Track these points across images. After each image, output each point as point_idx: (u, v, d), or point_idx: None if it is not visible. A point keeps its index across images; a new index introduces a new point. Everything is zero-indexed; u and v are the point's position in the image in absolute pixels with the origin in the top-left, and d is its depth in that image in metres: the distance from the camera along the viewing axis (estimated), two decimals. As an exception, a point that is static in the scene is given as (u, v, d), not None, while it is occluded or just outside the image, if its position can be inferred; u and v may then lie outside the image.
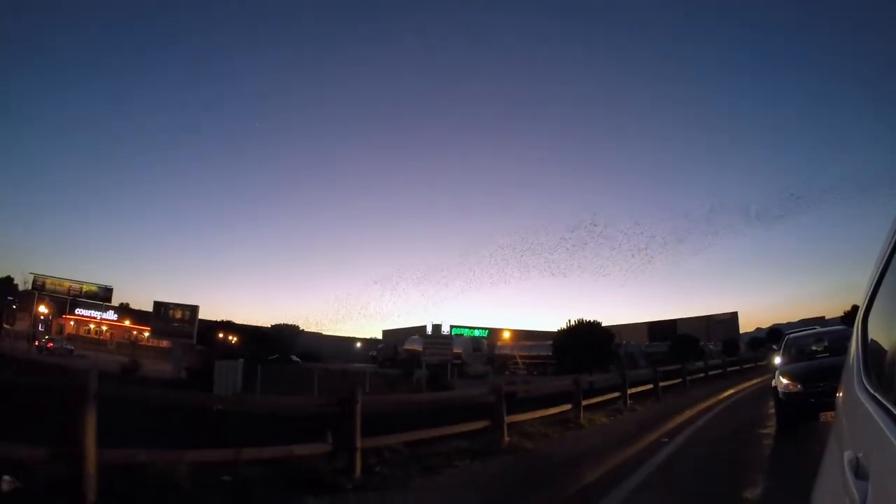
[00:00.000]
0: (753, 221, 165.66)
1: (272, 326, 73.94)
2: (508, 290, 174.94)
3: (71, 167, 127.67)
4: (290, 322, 74.75)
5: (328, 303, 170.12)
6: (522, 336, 79.92)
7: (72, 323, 59.17)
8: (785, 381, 9.42)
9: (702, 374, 25.58)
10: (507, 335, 76.67)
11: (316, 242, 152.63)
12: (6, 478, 4.08)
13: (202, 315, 46.71)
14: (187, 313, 41.46)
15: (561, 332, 51.30)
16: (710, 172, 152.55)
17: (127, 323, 63.60)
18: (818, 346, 11.35)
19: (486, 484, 6.30)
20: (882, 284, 1.76)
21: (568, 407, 11.34)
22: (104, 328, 62.52)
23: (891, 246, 1.68)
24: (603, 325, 56.57)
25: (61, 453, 4.24)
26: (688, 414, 13.58)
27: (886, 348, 1.54)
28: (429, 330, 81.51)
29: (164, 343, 49.51)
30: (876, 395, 1.47)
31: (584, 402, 11.84)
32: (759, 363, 32.28)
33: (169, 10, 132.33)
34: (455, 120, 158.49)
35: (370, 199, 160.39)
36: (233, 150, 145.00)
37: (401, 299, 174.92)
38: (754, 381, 22.30)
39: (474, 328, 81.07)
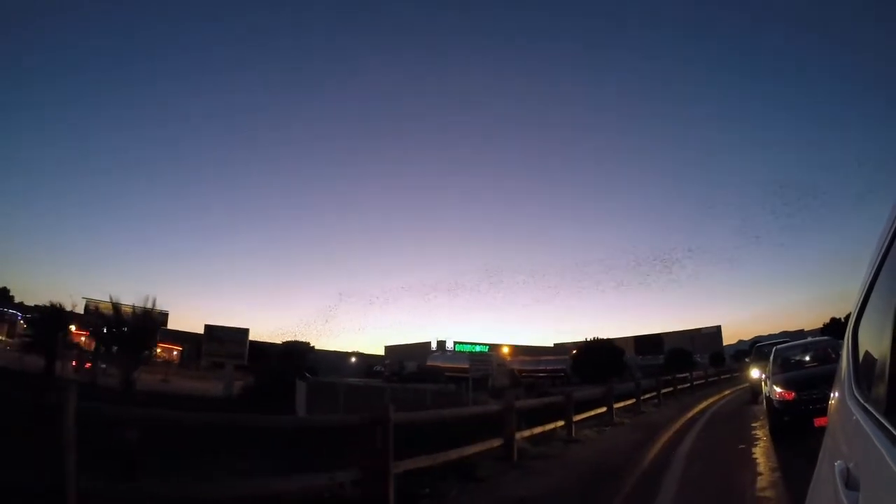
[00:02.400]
0: (736, 240, 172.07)
1: (283, 343, 76.45)
2: (499, 308, 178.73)
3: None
4: (300, 338, 76.62)
5: (318, 317, 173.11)
6: (520, 351, 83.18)
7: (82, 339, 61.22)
8: (779, 389, 9.73)
9: (687, 385, 29.59)
10: (506, 350, 79.95)
11: (303, 256, 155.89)
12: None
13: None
14: (239, 335, 44.87)
15: (579, 349, 55.97)
16: (692, 196, 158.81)
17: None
18: (804, 357, 12.24)
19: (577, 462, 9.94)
20: (872, 295, 1.76)
21: (604, 409, 14.93)
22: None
23: (880, 257, 1.69)
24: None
25: (369, 472, 5.90)
26: (695, 409, 17.48)
27: (877, 358, 1.49)
28: (433, 346, 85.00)
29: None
30: (866, 405, 1.46)
31: (616, 405, 15.52)
32: (737, 373, 36.35)
33: (173, 19, 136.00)
34: (442, 140, 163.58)
35: (362, 217, 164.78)
36: (224, 161, 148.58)
37: (394, 315, 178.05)
38: (740, 387, 26.17)
39: (476, 344, 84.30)
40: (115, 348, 22.60)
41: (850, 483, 1.31)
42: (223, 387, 41.62)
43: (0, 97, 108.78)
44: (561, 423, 11.77)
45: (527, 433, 10.01)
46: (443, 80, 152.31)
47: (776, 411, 9.72)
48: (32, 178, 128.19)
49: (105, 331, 31.14)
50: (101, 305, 59.94)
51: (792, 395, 9.34)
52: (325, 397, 34.49)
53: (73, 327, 48.97)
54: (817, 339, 17.33)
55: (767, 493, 6.10)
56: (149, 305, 26.73)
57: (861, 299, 1.90)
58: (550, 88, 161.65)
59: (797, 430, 8.80)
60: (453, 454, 7.54)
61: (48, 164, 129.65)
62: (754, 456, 8.62)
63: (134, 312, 29.46)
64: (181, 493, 4.55)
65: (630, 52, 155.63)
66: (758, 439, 10.17)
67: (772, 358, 12.37)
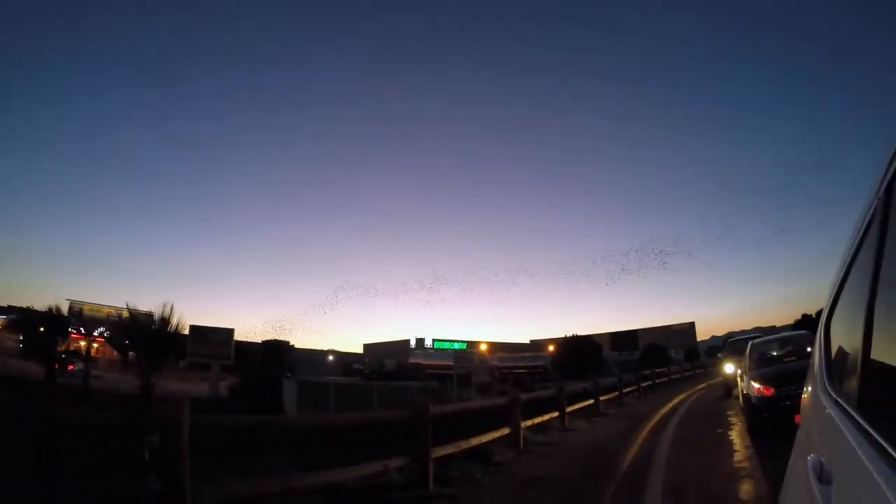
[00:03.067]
0: (709, 239, 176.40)
1: (263, 342, 76.37)
2: (475, 306, 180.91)
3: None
4: (277, 337, 76.37)
5: (295, 315, 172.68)
6: (498, 348, 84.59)
7: (94, 345, 60.50)
8: (757, 385, 9.47)
9: (665, 378, 31.27)
10: (483, 347, 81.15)
11: (278, 255, 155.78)
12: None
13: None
14: (224, 335, 45.00)
15: (559, 345, 57.60)
16: (673, 199, 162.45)
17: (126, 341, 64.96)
18: (782, 351, 11.78)
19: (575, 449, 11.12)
20: (843, 291, 1.79)
21: (591, 401, 16.17)
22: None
23: (851, 255, 1.71)
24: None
25: (414, 456, 6.85)
26: (675, 401, 18.83)
27: (849, 353, 1.52)
28: (412, 344, 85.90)
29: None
30: (838, 399, 1.49)
31: (602, 398, 16.78)
32: (710, 368, 38.18)
33: (174, 21, 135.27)
34: (422, 140, 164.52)
35: (339, 217, 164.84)
36: (209, 159, 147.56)
37: (371, 314, 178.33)
38: (714, 381, 27.77)
39: (454, 341, 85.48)
40: (130, 354, 23.01)
41: (823, 477, 1.33)
42: (209, 387, 42.02)
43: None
44: (556, 413, 12.94)
45: (528, 423, 11.14)
46: (435, 81, 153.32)
47: (754, 408, 9.51)
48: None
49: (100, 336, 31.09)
50: (85, 308, 59.76)
51: (771, 391, 9.08)
52: (315, 396, 35.10)
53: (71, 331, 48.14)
54: (794, 332, 16.30)
55: (744, 465, 7.37)
56: (166, 312, 26.95)
57: (833, 295, 1.93)
58: (535, 88, 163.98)
59: (776, 427, 8.57)
60: (474, 441, 8.63)
61: (23, 162, 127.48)
62: (731, 437, 9.92)
63: (150, 318, 29.45)
64: (263, 489, 5.10)
65: (622, 56, 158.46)
66: (733, 424, 11.46)
67: (748, 352, 12.11)
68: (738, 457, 8.03)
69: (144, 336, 22.18)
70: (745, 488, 6.15)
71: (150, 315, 31.87)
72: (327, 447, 10.05)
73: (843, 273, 1.81)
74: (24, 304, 56.61)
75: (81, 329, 49.85)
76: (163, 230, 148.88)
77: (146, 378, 21.20)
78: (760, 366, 10.91)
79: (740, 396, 12.35)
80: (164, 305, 24.57)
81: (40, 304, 40.80)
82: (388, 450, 6.91)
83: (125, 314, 63.34)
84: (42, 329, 33.43)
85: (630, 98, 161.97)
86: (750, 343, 12.96)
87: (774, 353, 11.78)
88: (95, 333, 55.60)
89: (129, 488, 4.70)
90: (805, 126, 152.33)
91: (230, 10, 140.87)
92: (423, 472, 6.92)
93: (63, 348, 37.53)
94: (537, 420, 11.75)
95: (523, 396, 11.09)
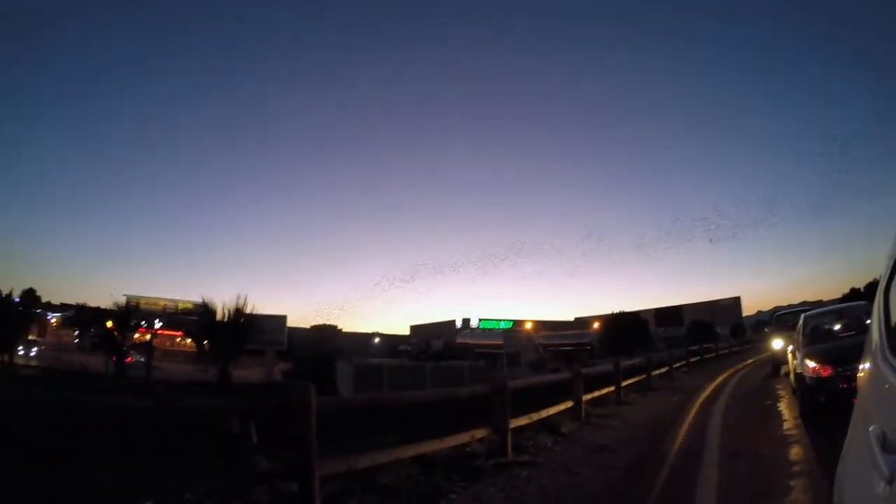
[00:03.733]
0: (755, 211, 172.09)
1: (312, 327, 78.96)
2: (519, 285, 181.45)
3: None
4: (328, 322, 78.89)
5: (341, 300, 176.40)
6: (542, 327, 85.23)
7: (147, 337, 63.67)
8: (812, 364, 8.44)
9: (713, 354, 31.73)
10: (529, 326, 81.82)
11: (322, 240, 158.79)
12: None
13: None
14: (277, 322, 47.13)
15: (605, 322, 58.41)
16: (714, 171, 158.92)
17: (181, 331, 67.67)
18: (839, 324, 10.74)
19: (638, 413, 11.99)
20: None
21: (644, 376, 16.94)
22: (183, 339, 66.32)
23: None
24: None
25: (495, 428, 7.58)
26: (724, 375, 19.55)
27: None
28: (458, 324, 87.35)
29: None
30: None
31: (653, 373, 17.56)
32: (757, 344, 38.23)
33: (175, 13, 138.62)
34: (459, 122, 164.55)
35: (382, 199, 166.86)
36: (239, 147, 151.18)
37: (416, 296, 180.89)
38: (761, 356, 28.08)
39: (500, 320, 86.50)
40: (205, 344, 24.73)
41: (888, 447, 1.31)
42: (264, 373, 44.22)
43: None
44: (612, 388, 13.78)
45: (588, 397, 12.03)
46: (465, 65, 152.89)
47: (809, 390, 8.50)
48: (38, 180, 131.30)
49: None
50: (142, 301, 62.83)
51: (829, 371, 8.05)
52: (370, 378, 36.78)
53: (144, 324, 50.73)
54: (851, 304, 14.77)
55: (793, 432, 8.15)
56: (240, 305, 28.42)
57: (892, 262, 1.88)
58: (579, 67, 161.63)
59: (835, 412, 6.87)
60: (543, 413, 9.61)
61: (53, 163, 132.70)
62: (779, 408, 10.65)
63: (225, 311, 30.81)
64: (379, 460, 5.85)
65: (654, 22, 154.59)
66: (781, 397, 12.14)
67: (801, 326, 11.01)
68: (787, 425, 8.80)
69: (222, 327, 23.74)
70: (795, 451, 6.94)
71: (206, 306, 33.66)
72: (413, 421, 11.19)
73: None
74: (71, 300, 59.74)
75: (143, 322, 52.46)
76: (202, 220, 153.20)
77: (223, 366, 22.79)
78: (815, 341, 9.76)
79: (791, 375, 11.44)
80: (238, 297, 26.11)
81: (89, 302, 43.68)
82: (466, 422, 7.69)
83: (180, 306, 66.61)
84: (110, 324, 35.61)
85: (670, 70, 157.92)
86: (803, 316, 11.61)
87: (831, 327, 10.75)
88: (157, 326, 58.25)
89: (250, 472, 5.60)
90: (847, 91, 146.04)
91: (245, 10, 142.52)
92: (502, 442, 7.77)
93: (131, 342, 39.81)
94: (596, 394, 12.62)
95: (584, 371, 11.97)
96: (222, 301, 26.31)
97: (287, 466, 4.97)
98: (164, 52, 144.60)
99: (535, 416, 9.34)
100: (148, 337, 49.82)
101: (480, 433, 7.70)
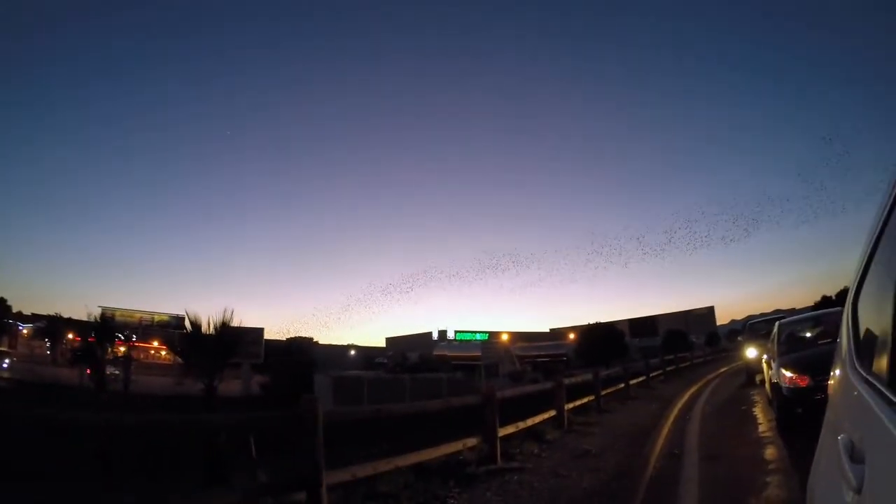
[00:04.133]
0: (727, 221, 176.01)
1: (287, 339, 78.14)
2: (492, 296, 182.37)
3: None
4: (302, 334, 78.19)
5: (312, 311, 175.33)
6: (518, 338, 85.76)
7: (122, 349, 62.66)
8: (789, 373, 8.06)
9: (688, 363, 32.57)
10: (505, 338, 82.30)
11: (297, 252, 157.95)
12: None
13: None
14: (255, 335, 46.69)
15: (581, 333, 59.27)
16: (692, 179, 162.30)
17: (155, 343, 66.72)
18: (815, 331, 10.43)
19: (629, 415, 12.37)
20: (871, 267, 1.76)
21: (622, 385, 17.40)
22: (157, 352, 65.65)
23: (878, 229, 1.68)
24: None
25: (485, 437, 7.99)
26: (700, 383, 20.07)
27: (877, 331, 1.51)
28: (434, 336, 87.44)
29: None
30: (869, 378, 1.46)
31: (631, 382, 18.02)
32: (731, 352, 39.28)
33: (175, 19, 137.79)
34: (448, 134, 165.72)
35: (354, 213, 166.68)
36: (231, 157, 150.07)
37: (390, 308, 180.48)
38: (733, 365, 28.88)
39: (476, 332, 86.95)
40: (191, 358, 24.67)
41: (855, 456, 1.33)
42: (241, 386, 43.68)
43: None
44: (592, 397, 14.15)
45: (570, 406, 12.38)
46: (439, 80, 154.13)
47: (786, 401, 8.09)
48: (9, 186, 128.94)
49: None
50: (117, 314, 61.90)
51: (806, 381, 7.66)
52: (350, 391, 36.79)
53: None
54: (828, 310, 13.62)
55: (767, 434, 8.59)
56: (226, 318, 28.25)
57: (860, 272, 1.88)
58: (553, 77, 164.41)
59: (812, 423, 5.52)
60: (529, 422, 9.94)
61: (26, 170, 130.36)
62: (754, 413, 11.11)
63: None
64: (380, 468, 6.11)
65: (634, 35, 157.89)
66: (755, 403, 12.63)
67: (775, 333, 10.73)
68: (762, 428, 9.25)
69: (206, 342, 23.73)
70: (770, 452, 7.35)
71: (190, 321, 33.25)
72: (396, 431, 11.39)
73: (870, 249, 1.77)
74: (41, 311, 58.19)
75: (120, 336, 51.56)
76: (174, 233, 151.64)
77: (209, 380, 22.78)
78: (791, 349, 9.46)
79: (767, 385, 11.12)
80: (225, 311, 26.01)
81: (61, 313, 42.80)
82: (453, 432, 7.99)
83: (156, 318, 65.72)
84: (92, 337, 35.07)
85: (643, 82, 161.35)
86: (777, 323, 11.36)
87: (807, 335, 10.43)
88: (133, 339, 57.34)
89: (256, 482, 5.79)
90: (823, 106, 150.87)
91: (244, 17, 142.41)
92: (491, 450, 8.08)
93: (111, 356, 39.12)
94: (577, 403, 12.98)
95: (566, 381, 12.34)
96: (194, 313, 26.26)
97: (295, 477, 5.15)
98: (152, 62, 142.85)
99: (522, 425, 9.67)
100: (123, 350, 48.73)
101: (471, 442, 7.98)
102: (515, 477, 7.09)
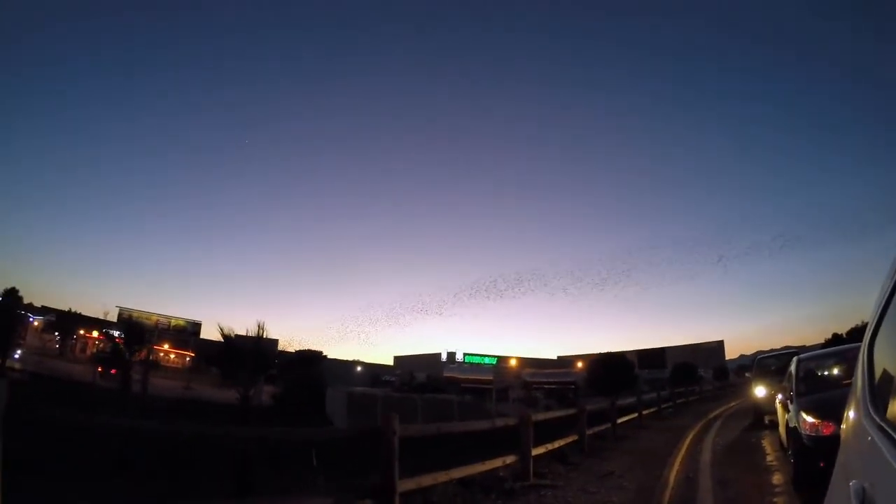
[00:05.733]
0: (740, 256, 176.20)
1: (297, 352, 78.76)
2: (503, 321, 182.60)
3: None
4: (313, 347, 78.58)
5: (318, 324, 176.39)
6: (526, 364, 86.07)
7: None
8: (810, 418, 6.65)
9: (697, 396, 33.28)
10: (513, 363, 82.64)
11: (309, 266, 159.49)
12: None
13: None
14: (270, 346, 47.75)
15: (591, 362, 59.91)
16: (697, 216, 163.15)
17: (166, 346, 68.24)
18: (838, 369, 9.10)
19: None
20: (889, 309, 1.71)
21: (635, 415, 18.23)
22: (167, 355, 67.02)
23: None
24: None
25: (520, 455, 8.75)
26: (710, 416, 20.84)
27: (894, 374, 1.48)
28: (443, 357, 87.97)
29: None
30: (883, 425, 1.43)
31: (644, 412, 18.85)
32: (739, 387, 39.64)
33: (176, 29, 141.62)
34: (446, 152, 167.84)
35: (367, 232, 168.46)
36: (233, 168, 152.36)
37: (399, 327, 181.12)
38: (741, 399, 29.44)
39: (484, 356, 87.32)
40: (224, 368, 25.79)
41: (867, 503, 1.31)
42: (252, 396, 44.55)
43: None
44: (608, 424, 15.03)
45: (589, 432, 13.24)
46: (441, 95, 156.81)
47: (806, 451, 6.58)
48: (31, 181, 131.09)
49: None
50: (134, 314, 63.03)
51: (831, 429, 6.18)
52: (363, 407, 37.32)
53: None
54: (851, 345, 10.61)
55: (774, 463, 9.47)
56: (259, 331, 29.14)
57: (878, 313, 1.83)
58: (557, 102, 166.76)
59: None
60: (556, 444, 10.86)
61: (48, 167, 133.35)
62: (763, 444, 11.97)
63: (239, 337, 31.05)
64: (440, 479, 6.85)
65: (646, 56, 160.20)
66: (764, 435, 13.44)
67: (793, 370, 9.28)
68: (769, 458, 10.12)
69: (244, 355, 24.84)
70: (777, 478, 8.24)
71: (195, 324, 34.00)
72: (417, 448, 12.19)
73: (889, 290, 1.72)
74: (51, 305, 58.80)
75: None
76: (192, 238, 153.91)
77: (245, 391, 23.83)
78: (813, 390, 8.14)
79: (781, 428, 9.97)
80: (259, 324, 27.11)
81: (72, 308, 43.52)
82: (480, 451, 8.69)
83: (173, 322, 66.78)
84: (119, 338, 36.02)
85: (654, 111, 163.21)
86: (795, 358, 9.87)
87: (829, 372, 9.28)
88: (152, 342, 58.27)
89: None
90: (836, 137, 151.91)
91: (245, 30, 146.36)
92: (524, 467, 8.95)
93: (137, 358, 39.93)
94: (595, 430, 13.85)
95: (587, 408, 13.24)
96: (228, 327, 27.34)
97: (372, 485, 5.85)
98: (175, 62, 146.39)
99: (549, 447, 10.58)
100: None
101: (510, 459, 8.90)
102: (549, 493, 7.98)
